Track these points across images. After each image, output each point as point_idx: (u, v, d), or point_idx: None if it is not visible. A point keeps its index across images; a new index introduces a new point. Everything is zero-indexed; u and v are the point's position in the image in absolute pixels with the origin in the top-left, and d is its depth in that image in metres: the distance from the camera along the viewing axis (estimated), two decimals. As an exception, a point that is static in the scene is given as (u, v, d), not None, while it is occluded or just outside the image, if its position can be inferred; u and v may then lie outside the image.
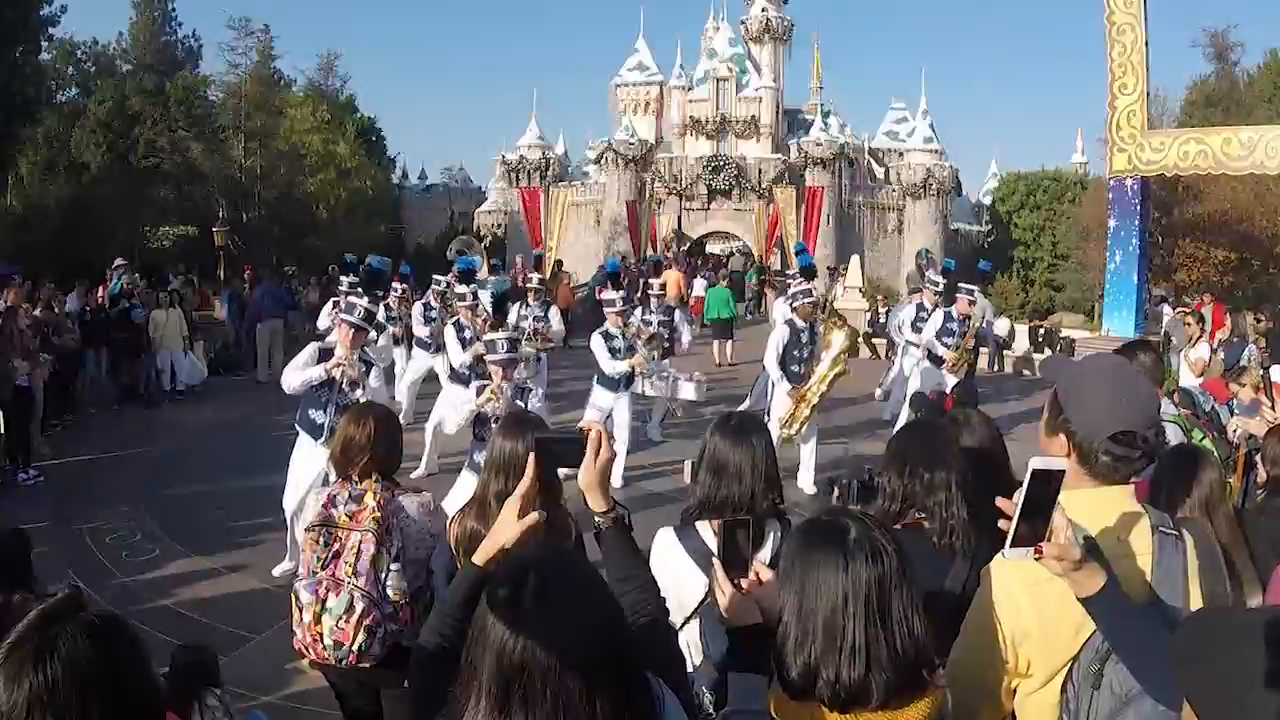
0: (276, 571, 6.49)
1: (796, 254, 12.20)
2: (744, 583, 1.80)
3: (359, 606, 3.22)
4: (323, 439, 6.02)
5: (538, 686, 1.29)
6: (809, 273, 10.30)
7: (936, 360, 10.12)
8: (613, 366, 8.73)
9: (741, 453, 2.62)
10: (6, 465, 9.02)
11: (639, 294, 13.32)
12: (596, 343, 8.89)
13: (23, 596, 3.04)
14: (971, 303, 10.37)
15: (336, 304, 11.97)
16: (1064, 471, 1.69)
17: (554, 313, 11.08)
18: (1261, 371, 7.54)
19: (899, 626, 1.53)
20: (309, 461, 6.18)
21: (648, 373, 9.38)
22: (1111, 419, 1.93)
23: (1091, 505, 1.97)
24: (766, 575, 1.82)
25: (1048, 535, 1.69)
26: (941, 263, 15.94)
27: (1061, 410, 2.06)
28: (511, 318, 10.41)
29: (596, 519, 2.05)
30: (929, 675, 1.57)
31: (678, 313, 10.79)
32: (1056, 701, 1.89)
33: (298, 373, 6.06)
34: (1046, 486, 1.66)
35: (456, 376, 9.45)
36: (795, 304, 8.90)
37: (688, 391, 9.82)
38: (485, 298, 10.35)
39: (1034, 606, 1.91)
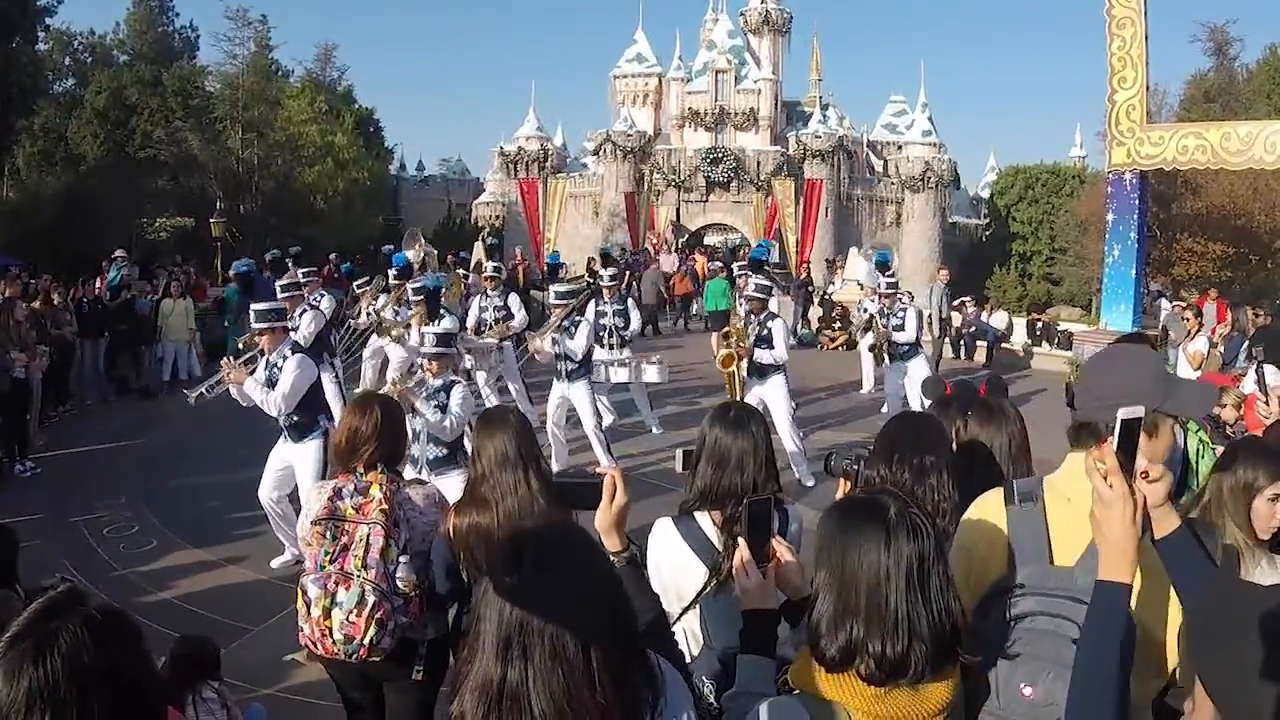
0: (275, 564, 6.52)
1: (756, 247, 12.45)
2: (770, 565, 1.88)
3: (370, 600, 3.18)
4: (281, 436, 6.43)
5: (536, 640, 1.38)
6: (755, 265, 10.51)
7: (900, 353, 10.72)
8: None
9: (742, 443, 2.63)
10: (3, 458, 9.01)
11: (623, 283, 13.66)
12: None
13: (3, 594, 2.99)
14: (893, 285, 11.31)
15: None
16: (1141, 419, 1.75)
17: (514, 301, 10.94)
18: (1256, 364, 7.55)
19: (936, 601, 1.55)
20: (274, 453, 6.47)
21: (610, 360, 9.65)
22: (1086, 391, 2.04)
23: (1069, 466, 2.06)
24: (789, 556, 1.91)
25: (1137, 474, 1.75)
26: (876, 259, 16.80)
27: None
28: (473, 309, 10.45)
29: (610, 557, 2.10)
30: (960, 650, 1.60)
31: (629, 301, 10.83)
32: None
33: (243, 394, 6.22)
34: (1130, 433, 1.73)
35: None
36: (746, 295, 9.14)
37: (650, 374, 9.91)
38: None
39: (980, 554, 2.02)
